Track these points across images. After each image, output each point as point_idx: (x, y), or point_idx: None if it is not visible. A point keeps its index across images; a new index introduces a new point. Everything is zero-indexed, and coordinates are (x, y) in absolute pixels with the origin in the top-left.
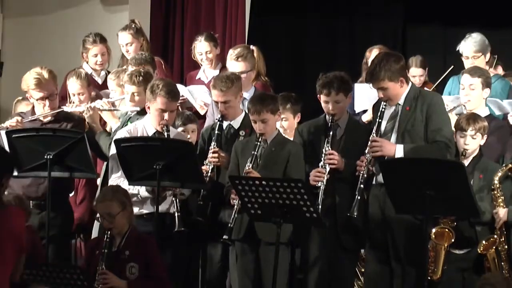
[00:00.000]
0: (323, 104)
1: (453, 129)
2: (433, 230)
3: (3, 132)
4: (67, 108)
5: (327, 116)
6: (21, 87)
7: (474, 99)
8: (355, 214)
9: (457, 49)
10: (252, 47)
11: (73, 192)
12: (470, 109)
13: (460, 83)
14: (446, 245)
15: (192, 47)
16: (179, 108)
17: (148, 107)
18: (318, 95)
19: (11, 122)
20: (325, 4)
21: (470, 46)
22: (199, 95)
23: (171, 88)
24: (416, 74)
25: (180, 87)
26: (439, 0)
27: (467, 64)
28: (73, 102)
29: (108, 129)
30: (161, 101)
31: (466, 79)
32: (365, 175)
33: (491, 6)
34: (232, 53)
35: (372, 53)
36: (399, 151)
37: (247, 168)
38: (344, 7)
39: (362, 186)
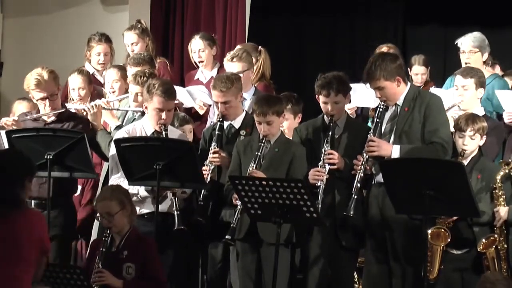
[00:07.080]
0: (321, 105)
1: (452, 129)
2: (429, 231)
3: (3, 132)
4: (69, 105)
5: (325, 116)
6: (23, 87)
7: (467, 100)
8: (351, 213)
9: (456, 42)
10: (260, 48)
11: (78, 191)
12: (464, 109)
13: (454, 84)
14: (442, 245)
15: (188, 46)
16: (177, 108)
17: (146, 107)
18: (316, 96)
19: (6, 120)
20: (325, 4)
21: (469, 41)
22: (199, 95)
23: (167, 87)
24: (419, 72)
25: (178, 88)
26: (439, 0)
27: (463, 58)
28: (73, 99)
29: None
30: (158, 100)
31: (459, 80)
32: (362, 174)
33: (491, 6)
34: (228, 54)
35: None
36: (395, 152)
37: (251, 169)
38: (344, 7)
39: (358, 185)
